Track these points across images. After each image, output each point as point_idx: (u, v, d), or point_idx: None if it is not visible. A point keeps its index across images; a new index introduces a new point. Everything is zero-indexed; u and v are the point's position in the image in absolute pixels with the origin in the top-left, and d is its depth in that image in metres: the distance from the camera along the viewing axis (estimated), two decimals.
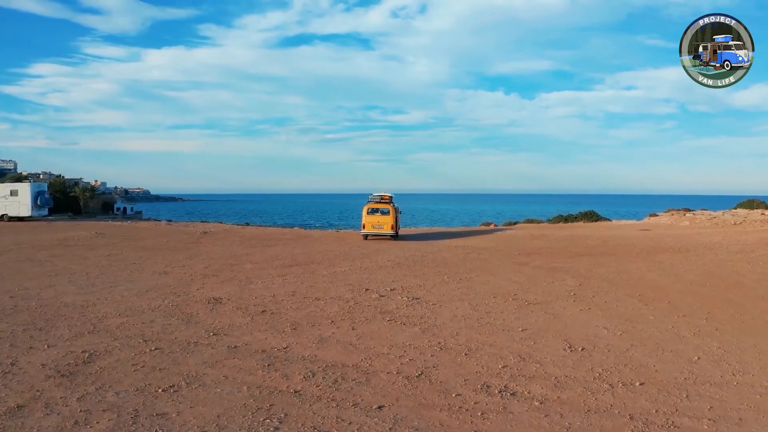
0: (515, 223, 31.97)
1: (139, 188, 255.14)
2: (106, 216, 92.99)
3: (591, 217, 30.49)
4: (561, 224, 30.61)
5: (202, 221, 34.95)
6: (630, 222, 30.41)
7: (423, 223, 65.77)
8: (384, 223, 24.79)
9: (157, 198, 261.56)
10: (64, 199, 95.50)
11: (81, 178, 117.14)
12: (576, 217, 30.75)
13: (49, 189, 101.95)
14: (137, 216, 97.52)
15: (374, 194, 26.44)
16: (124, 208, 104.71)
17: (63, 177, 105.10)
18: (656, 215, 32.97)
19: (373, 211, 25.38)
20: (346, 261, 15.86)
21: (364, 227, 25.05)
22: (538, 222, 31.59)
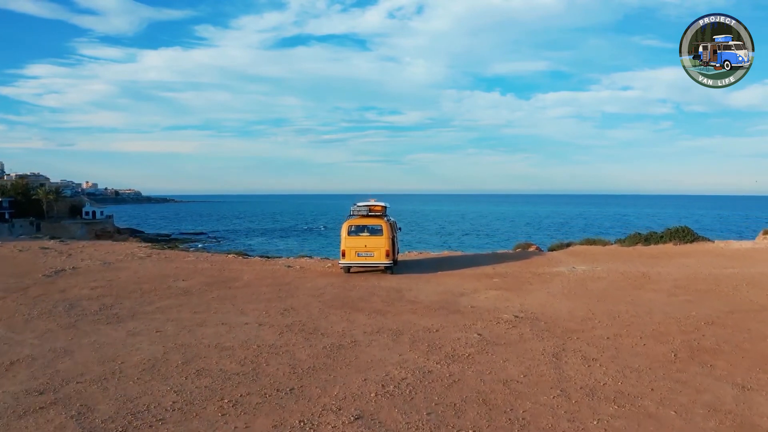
0: (568, 245, 21.64)
1: (129, 189, 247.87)
2: (72, 220, 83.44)
3: (685, 236, 20.19)
4: (640, 247, 20.37)
5: (125, 230, 24.82)
6: (749, 245, 20.10)
7: (426, 233, 55.75)
8: (375, 249, 15.07)
9: (149, 199, 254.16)
10: (26, 202, 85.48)
11: (48, 178, 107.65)
12: (662, 237, 20.53)
13: (11, 191, 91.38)
14: (107, 220, 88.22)
15: (358, 204, 16.42)
16: (93, 212, 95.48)
17: (26, 178, 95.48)
18: None
19: (357, 231, 15.58)
20: (254, 398, 5.64)
21: (343, 255, 15.30)
22: (603, 243, 21.30)
